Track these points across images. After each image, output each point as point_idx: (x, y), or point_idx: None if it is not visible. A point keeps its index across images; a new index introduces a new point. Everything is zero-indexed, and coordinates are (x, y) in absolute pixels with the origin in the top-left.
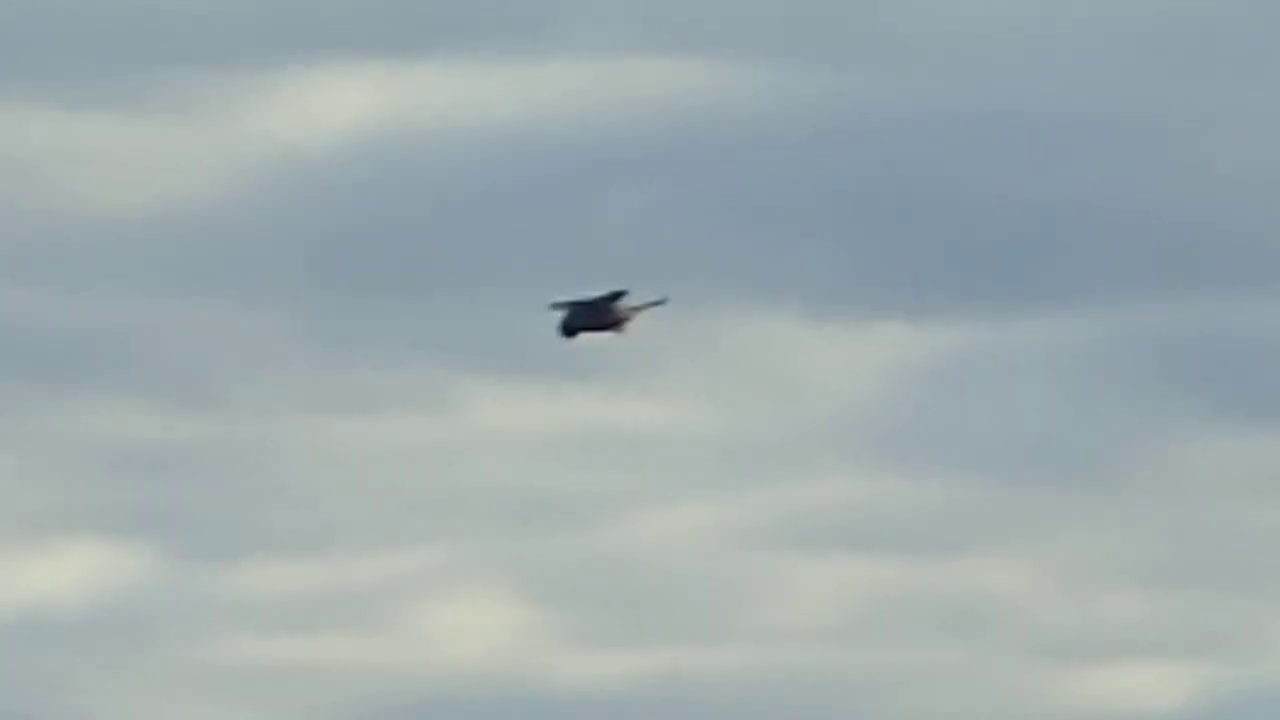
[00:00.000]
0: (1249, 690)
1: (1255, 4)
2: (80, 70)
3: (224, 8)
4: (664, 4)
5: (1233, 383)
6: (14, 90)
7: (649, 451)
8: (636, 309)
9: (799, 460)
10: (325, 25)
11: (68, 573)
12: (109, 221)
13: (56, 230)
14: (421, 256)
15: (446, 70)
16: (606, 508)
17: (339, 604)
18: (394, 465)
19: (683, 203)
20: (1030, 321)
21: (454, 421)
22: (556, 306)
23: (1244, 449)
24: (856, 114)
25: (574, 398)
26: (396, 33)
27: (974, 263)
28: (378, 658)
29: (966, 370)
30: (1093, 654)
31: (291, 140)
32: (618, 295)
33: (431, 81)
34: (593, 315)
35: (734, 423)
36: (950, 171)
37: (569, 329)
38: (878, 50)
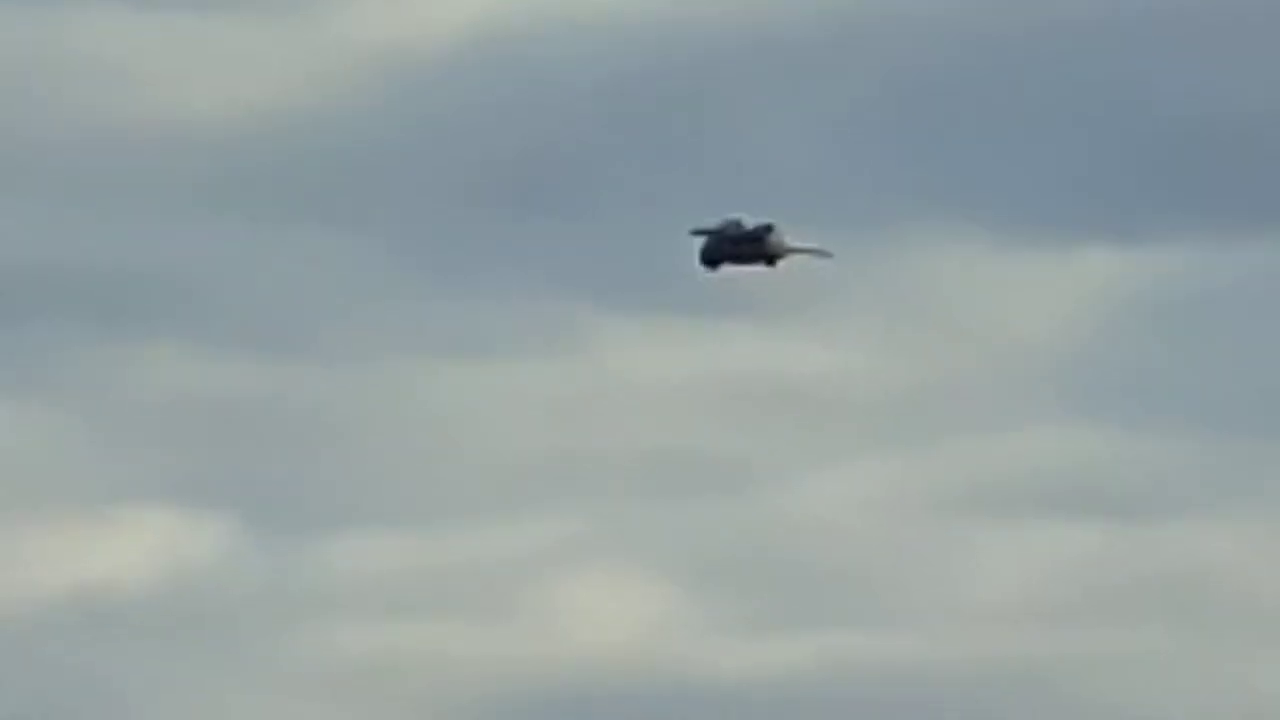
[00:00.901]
0: None
1: None
2: None
3: None
4: None
5: None
6: None
7: (815, 403)
8: (794, 251)
9: (990, 412)
10: None
11: (137, 548)
12: (185, 137)
13: (127, 148)
14: (546, 174)
15: None
16: (766, 469)
17: (450, 585)
18: (515, 419)
19: (849, 110)
20: (1259, 244)
21: (586, 367)
22: (697, 233)
23: None
24: (1051, 9)
25: (727, 340)
26: None
27: (1192, 177)
28: (497, 648)
29: (1186, 304)
30: None
31: (395, 41)
32: (767, 229)
33: None
34: (739, 246)
35: (913, 369)
36: (1163, 71)
37: (710, 258)
38: None
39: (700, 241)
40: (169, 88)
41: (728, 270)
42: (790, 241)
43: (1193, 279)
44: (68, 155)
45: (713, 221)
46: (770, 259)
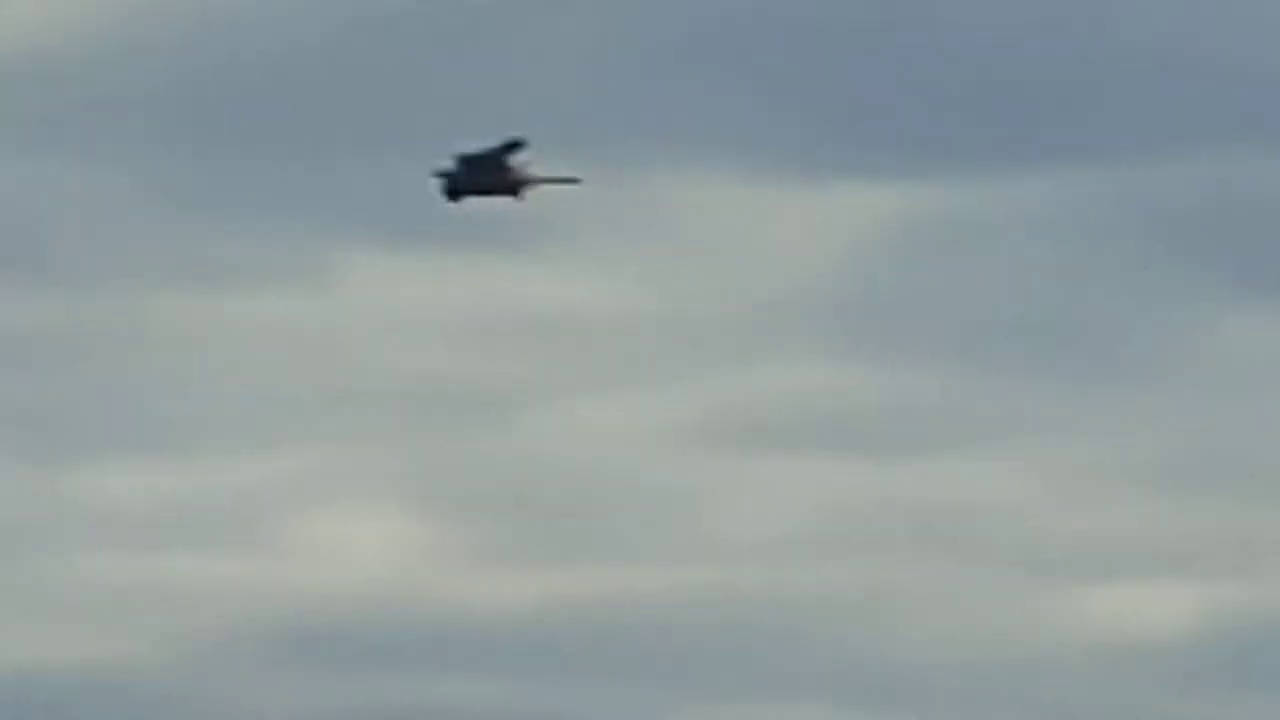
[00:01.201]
0: (1269, 611)
1: None
2: None
3: None
4: None
5: (1258, 253)
6: None
7: (567, 334)
8: (541, 180)
9: (745, 344)
10: None
11: None
12: None
13: None
14: (295, 107)
15: None
16: (518, 401)
17: (204, 514)
18: (267, 351)
19: (599, 36)
20: (1020, 180)
21: (335, 299)
22: (442, 175)
23: (1270, 329)
24: None
25: (478, 272)
26: None
27: (951, 108)
28: (249, 577)
29: (944, 238)
30: (1090, 570)
31: None
32: (513, 146)
33: None
34: (484, 173)
35: (667, 300)
36: (918, 6)
37: (454, 189)
38: None
39: (444, 172)
40: None
41: (475, 202)
42: (535, 169)
43: (952, 212)
44: None
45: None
46: (515, 188)
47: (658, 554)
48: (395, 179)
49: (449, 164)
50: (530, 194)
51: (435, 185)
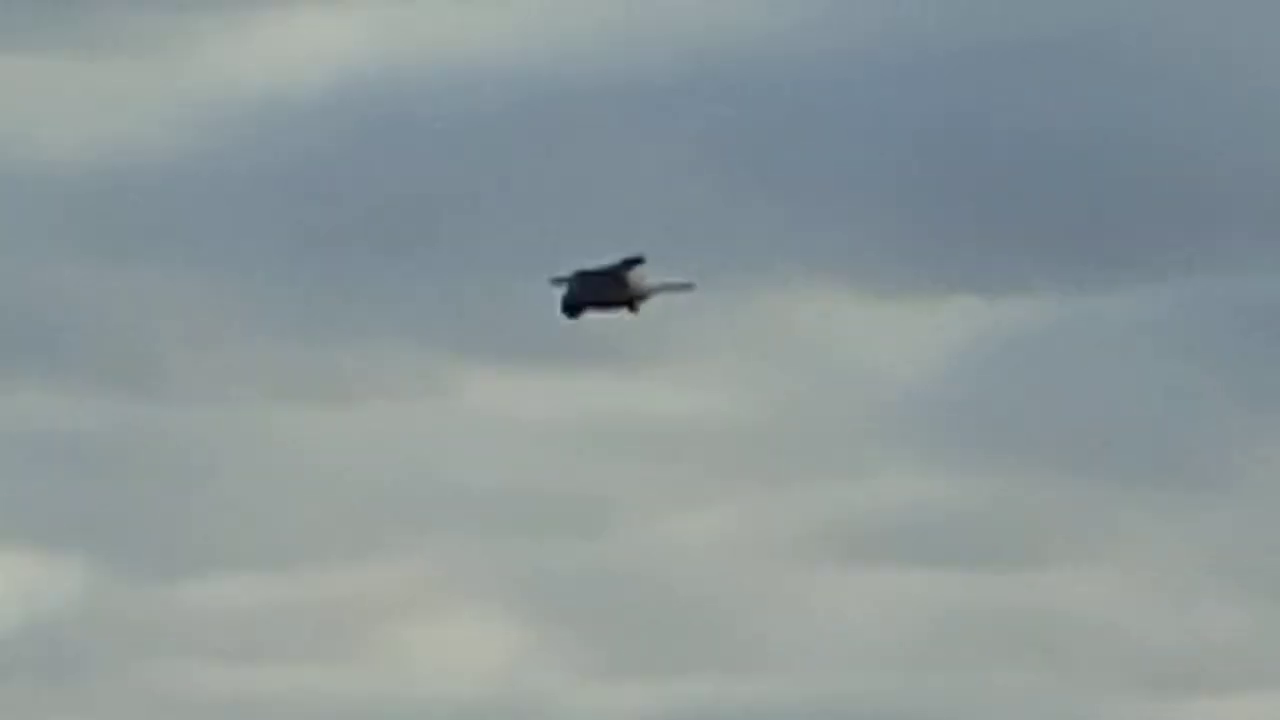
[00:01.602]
0: None
1: None
2: (30, 6)
3: None
4: None
5: None
6: None
7: (678, 445)
8: (656, 289)
9: (849, 457)
10: None
11: None
12: (44, 175)
13: None
14: (410, 219)
15: (446, 2)
16: (622, 511)
17: (306, 626)
18: (372, 461)
19: (714, 155)
20: (1123, 294)
21: (444, 411)
22: (559, 282)
23: None
24: (915, 50)
25: (586, 383)
26: None
27: (1056, 228)
28: (351, 689)
29: (1046, 352)
30: (1194, 682)
31: (258, 83)
32: (631, 263)
33: (425, 14)
34: (601, 289)
35: (773, 412)
36: (1027, 119)
37: (572, 305)
38: None
39: (562, 288)
40: (32, 128)
41: (590, 316)
42: (650, 279)
43: (1053, 326)
44: None
45: (571, 271)
46: (631, 301)
47: (764, 664)
48: (512, 293)
49: (566, 279)
50: (646, 305)
51: (552, 300)
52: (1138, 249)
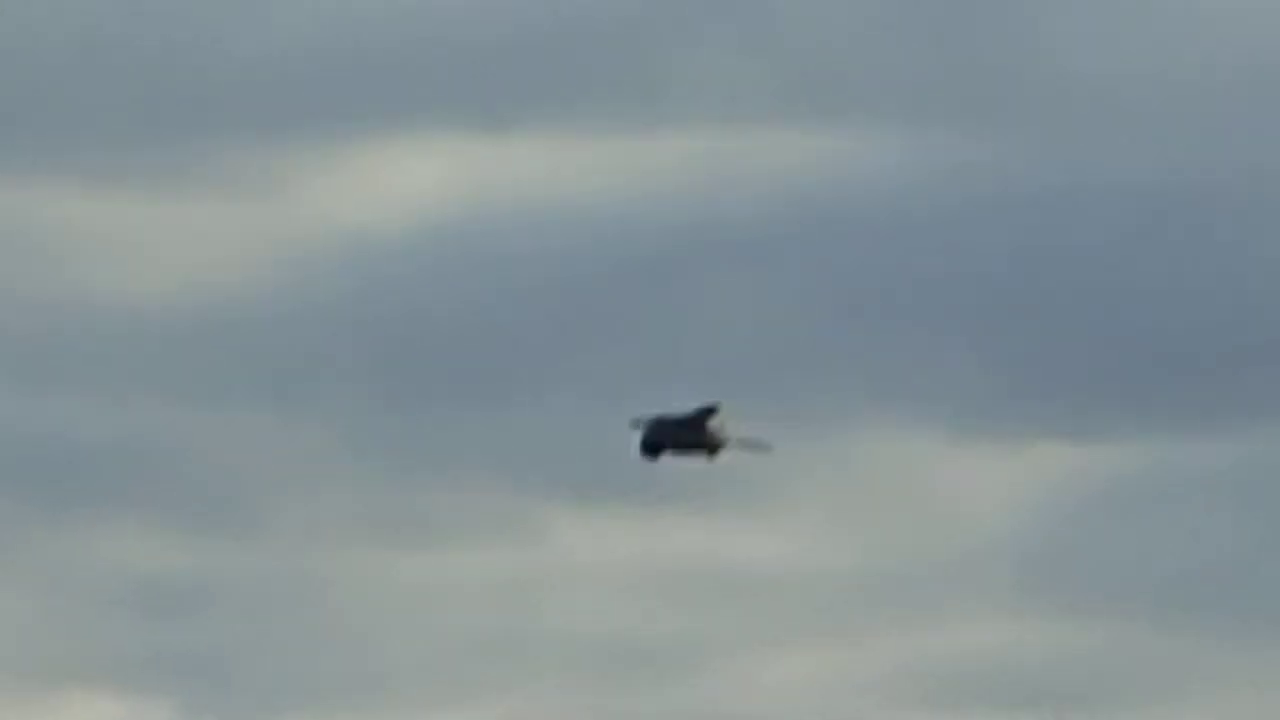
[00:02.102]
0: None
1: None
2: (109, 139)
3: (278, 70)
4: (779, 68)
5: None
6: (33, 161)
7: (758, 590)
8: (736, 441)
9: (935, 603)
10: (395, 92)
11: None
12: (135, 317)
13: (75, 326)
14: (500, 361)
15: (532, 144)
16: (708, 655)
17: None
18: (461, 605)
19: (802, 297)
20: (1212, 441)
21: (531, 555)
22: (637, 424)
23: None
24: (1009, 191)
25: (671, 528)
26: (476, 101)
27: (1146, 372)
28: None
29: (1136, 498)
30: None
31: (350, 226)
32: (708, 412)
33: (515, 157)
34: (679, 435)
35: (858, 556)
36: (1123, 263)
37: (650, 446)
38: (1036, 116)
39: (640, 430)
40: (132, 267)
41: (670, 461)
42: (730, 431)
43: (1143, 473)
44: (25, 333)
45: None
46: (711, 449)
47: None
48: (594, 434)
49: (647, 424)
50: (721, 452)
51: (633, 443)
52: (1225, 395)
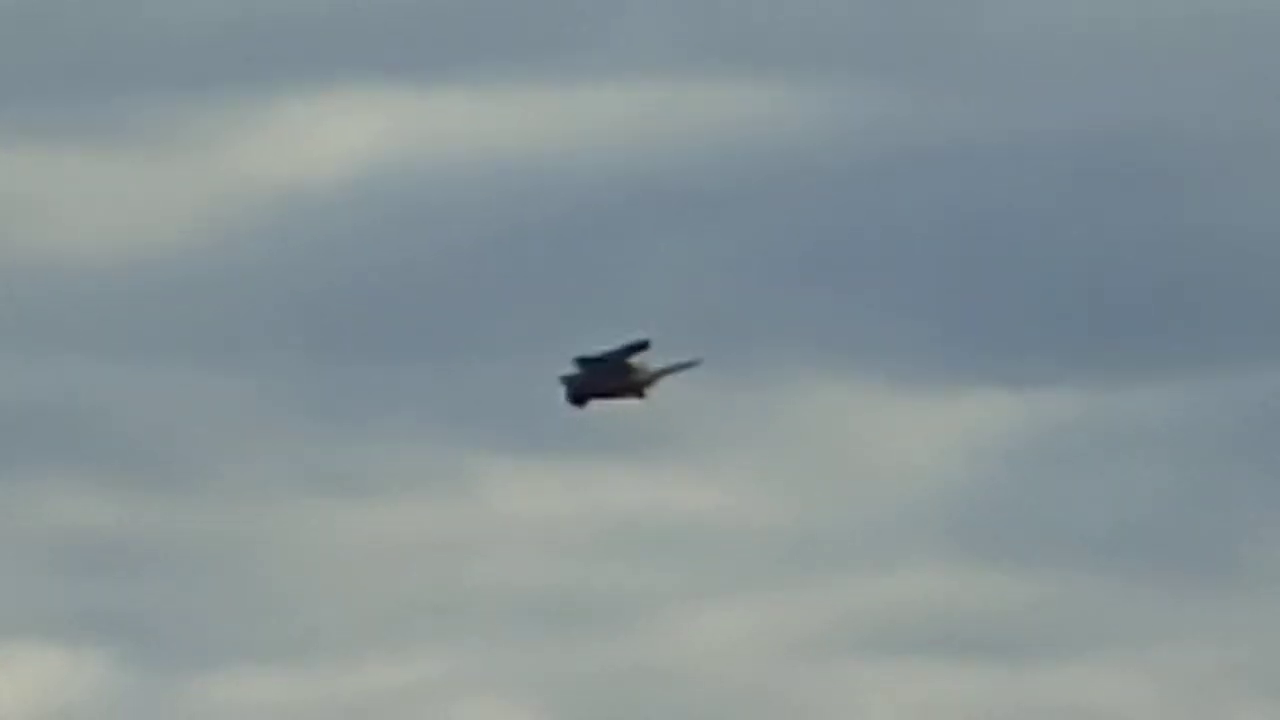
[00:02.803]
0: None
1: None
2: (37, 96)
3: (210, 25)
4: (716, 20)
5: None
6: None
7: (696, 541)
8: (663, 371)
9: (873, 552)
10: (327, 45)
11: (12, 684)
12: (68, 273)
13: (6, 283)
14: (434, 315)
15: (461, 96)
16: (646, 608)
17: None
18: (394, 559)
19: (738, 249)
20: (1147, 390)
21: (464, 508)
22: (564, 378)
23: None
24: (944, 143)
25: (607, 479)
26: (410, 54)
27: (1082, 321)
28: None
29: (1070, 447)
30: None
31: (278, 180)
32: (637, 347)
33: (444, 110)
34: (606, 376)
35: (796, 506)
36: (1055, 211)
37: (578, 394)
38: (967, 69)
39: (568, 378)
40: (58, 223)
41: (599, 406)
42: (655, 364)
43: (1078, 422)
44: None
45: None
46: (638, 388)
47: None
48: (524, 384)
49: (571, 368)
50: (667, 399)
51: (559, 391)
52: (1163, 343)
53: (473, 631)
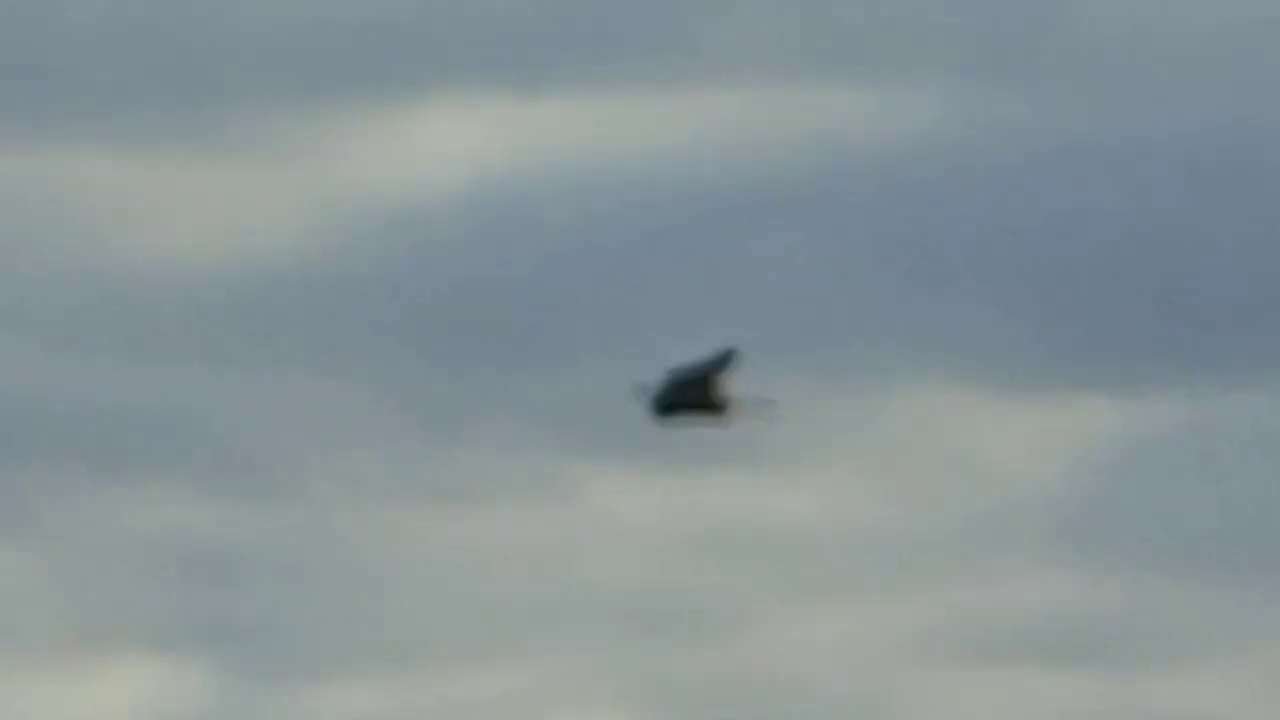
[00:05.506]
0: None
1: None
2: (146, 103)
3: (316, 32)
4: (823, 24)
5: None
6: (63, 125)
7: (789, 548)
8: (742, 402)
9: (976, 559)
10: (435, 54)
11: (112, 697)
12: (174, 282)
13: (110, 292)
14: (539, 322)
15: (570, 104)
16: (739, 615)
17: None
18: (496, 566)
19: (842, 254)
20: (1259, 395)
21: (567, 515)
22: (648, 391)
23: None
24: (1052, 146)
25: (707, 487)
26: (517, 61)
27: (1192, 326)
28: None
29: (1178, 453)
30: None
31: (387, 189)
32: (725, 359)
33: (553, 118)
34: (689, 392)
35: (894, 512)
36: (1164, 215)
37: (663, 407)
38: (1072, 70)
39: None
40: (164, 229)
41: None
42: (737, 390)
43: (1189, 428)
44: (62, 296)
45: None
46: (718, 408)
47: None
48: (621, 392)
49: (656, 380)
50: (738, 414)
51: (644, 401)
52: (1269, 348)
53: (576, 638)
